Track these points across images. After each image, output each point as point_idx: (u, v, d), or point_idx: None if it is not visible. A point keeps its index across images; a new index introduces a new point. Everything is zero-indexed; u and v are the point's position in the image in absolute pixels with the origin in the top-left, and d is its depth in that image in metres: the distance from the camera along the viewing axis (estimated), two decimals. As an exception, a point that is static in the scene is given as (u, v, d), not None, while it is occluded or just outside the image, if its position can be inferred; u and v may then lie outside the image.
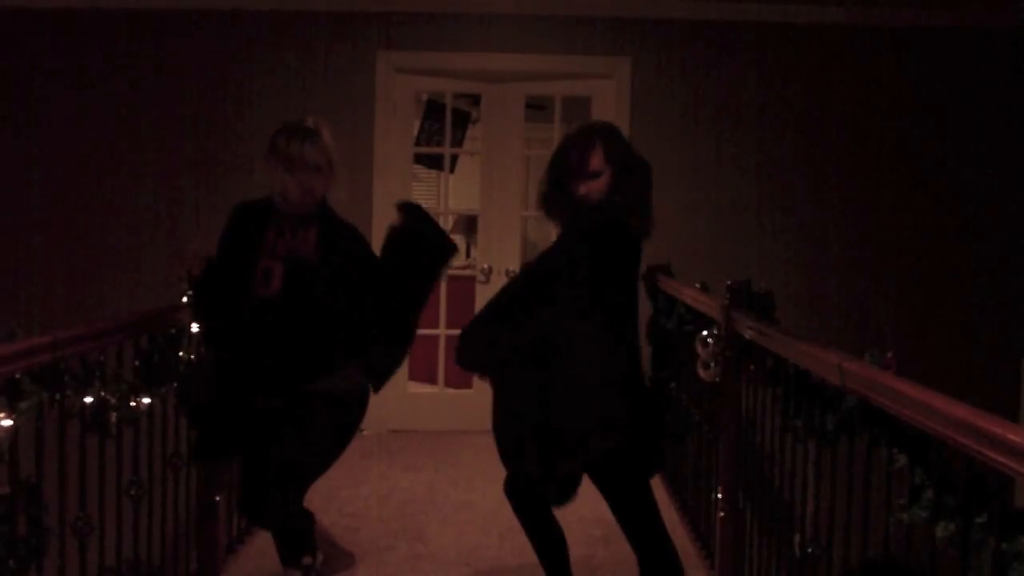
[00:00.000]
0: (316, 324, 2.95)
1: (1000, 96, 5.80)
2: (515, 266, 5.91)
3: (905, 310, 5.83)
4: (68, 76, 5.77)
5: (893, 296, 5.84)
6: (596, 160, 2.72)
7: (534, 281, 2.81)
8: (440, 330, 5.94)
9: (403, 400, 5.78)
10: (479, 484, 4.75)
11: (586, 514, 3.19)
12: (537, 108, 6.43)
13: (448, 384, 6.01)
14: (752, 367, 3.27)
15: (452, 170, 6.37)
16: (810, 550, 2.61)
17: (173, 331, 3.19)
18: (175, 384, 3.18)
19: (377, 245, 3.17)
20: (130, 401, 2.79)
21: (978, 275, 5.82)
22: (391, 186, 5.73)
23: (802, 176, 5.83)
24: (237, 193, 5.59)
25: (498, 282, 5.89)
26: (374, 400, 3.16)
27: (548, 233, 3.09)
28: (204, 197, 5.69)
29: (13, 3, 5.64)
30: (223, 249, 3.08)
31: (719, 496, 3.51)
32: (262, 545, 3.65)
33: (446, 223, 8.18)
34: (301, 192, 2.96)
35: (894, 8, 5.64)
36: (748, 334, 3.18)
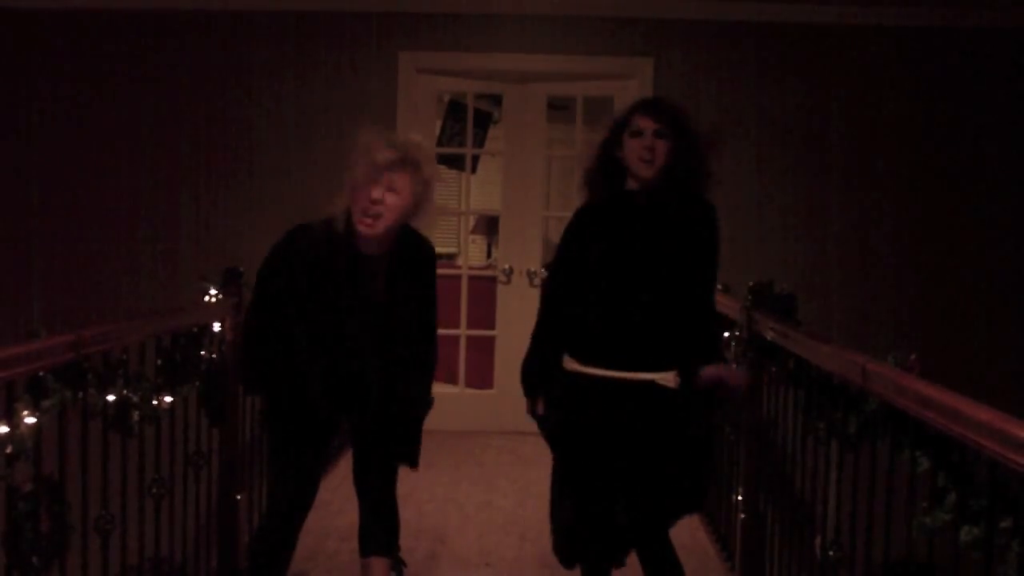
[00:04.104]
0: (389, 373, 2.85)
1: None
2: (536, 267, 5.90)
3: (928, 311, 5.78)
4: (70, 77, 5.82)
5: (916, 297, 5.79)
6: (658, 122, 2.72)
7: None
8: (461, 330, 5.94)
9: (424, 400, 5.76)
10: (500, 484, 4.75)
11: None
12: (559, 108, 6.42)
13: (469, 384, 6.01)
14: (774, 368, 3.26)
15: (474, 171, 6.37)
16: (832, 553, 2.59)
17: (195, 330, 3.21)
18: (197, 383, 3.20)
19: None
20: (152, 400, 2.80)
21: (1002, 275, 5.77)
22: (412, 186, 5.74)
23: (826, 177, 5.80)
24: (239, 193, 5.75)
25: (520, 283, 5.89)
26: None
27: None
28: (206, 197, 5.78)
29: (15, 4, 5.69)
30: (286, 285, 2.78)
31: (740, 498, 3.49)
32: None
33: (467, 223, 8.19)
34: (362, 212, 2.67)
35: (903, 8, 5.63)
36: (770, 335, 3.17)
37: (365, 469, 3.00)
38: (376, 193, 2.63)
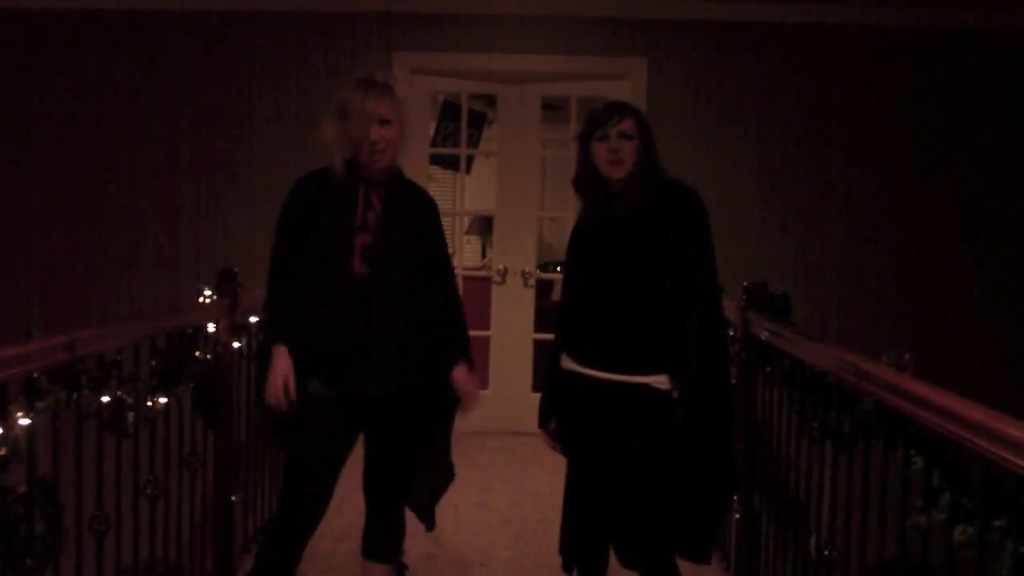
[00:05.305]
0: (401, 308, 2.79)
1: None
2: (531, 267, 5.90)
3: (921, 311, 5.79)
4: (70, 77, 5.79)
5: (915, 297, 5.80)
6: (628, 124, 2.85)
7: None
8: (456, 331, 5.94)
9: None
10: (494, 485, 4.76)
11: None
12: (553, 109, 6.43)
13: (464, 385, 6.00)
14: (768, 368, 3.26)
15: (468, 171, 6.37)
16: (826, 552, 2.60)
17: (189, 331, 3.21)
18: (191, 384, 3.20)
19: None
20: (147, 401, 2.80)
21: (993, 275, 5.79)
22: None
23: (819, 177, 5.80)
24: (238, 193, 5.75)
25: (514, 283, 5.89)
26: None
27: (565, 234, 3.06)
28: (205, 197, 5.79)
29: (15, 5, 5.68)
30: (295, 225, 2.79)
31: (735, 498, 3.49)
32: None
33: (462, 224, 8.18)
34: (369, 151, 2.74)
35: (902, 9, 5.63)
36: (764, 335, 3.17)
37: (377, 474, 2.97)
38: (374, 135, 2.71)
